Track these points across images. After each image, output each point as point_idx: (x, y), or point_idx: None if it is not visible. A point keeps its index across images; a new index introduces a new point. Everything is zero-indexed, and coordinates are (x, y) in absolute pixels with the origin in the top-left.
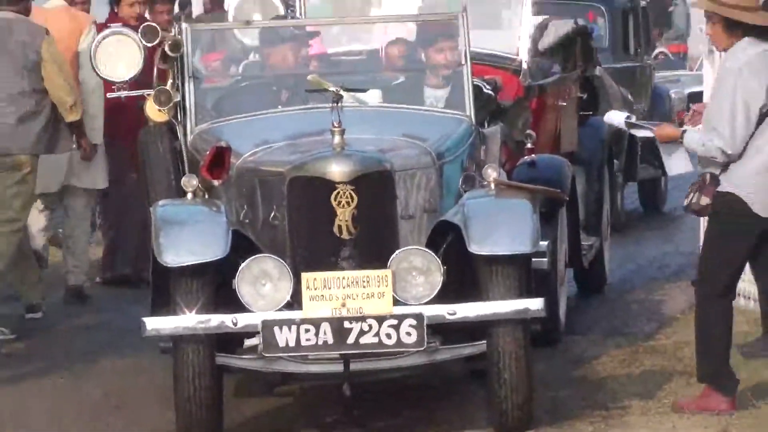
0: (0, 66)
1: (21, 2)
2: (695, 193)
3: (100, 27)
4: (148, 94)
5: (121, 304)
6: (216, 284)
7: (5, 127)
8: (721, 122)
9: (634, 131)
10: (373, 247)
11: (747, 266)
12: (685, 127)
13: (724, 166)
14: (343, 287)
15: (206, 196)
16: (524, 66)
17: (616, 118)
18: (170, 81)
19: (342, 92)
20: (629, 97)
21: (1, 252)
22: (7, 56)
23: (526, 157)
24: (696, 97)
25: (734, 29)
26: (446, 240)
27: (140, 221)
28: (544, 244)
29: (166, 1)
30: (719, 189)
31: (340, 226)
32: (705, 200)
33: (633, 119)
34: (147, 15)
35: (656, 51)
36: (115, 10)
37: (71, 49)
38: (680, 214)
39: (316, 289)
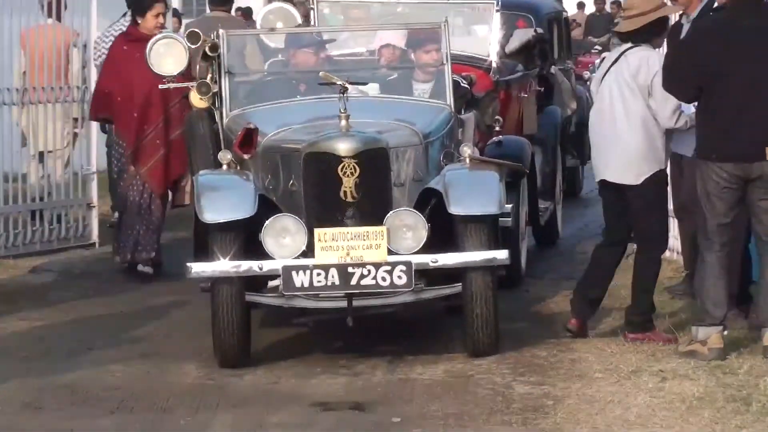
0: None
1: (228, 4)
2: None
3: (121, 37)
4: (192, 86)
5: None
6: (245, 237)
7: None
8: None
9: None
10: (371, 208)
11: (674, 224)
12: None
13: None
14: (348, 240)
15: (238, 168)
16: (494, 65)
17: None
18: (209, 75)
19: (348, 85)
20: (577, 89)
21: None
22: None
23: (494, 138)
24: None
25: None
26: (430, 203)
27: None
28: (508, 206)
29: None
30: None
31: (345, 192)
32: None
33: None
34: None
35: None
36: (138, 22)
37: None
38: None
39: (325, 241)
